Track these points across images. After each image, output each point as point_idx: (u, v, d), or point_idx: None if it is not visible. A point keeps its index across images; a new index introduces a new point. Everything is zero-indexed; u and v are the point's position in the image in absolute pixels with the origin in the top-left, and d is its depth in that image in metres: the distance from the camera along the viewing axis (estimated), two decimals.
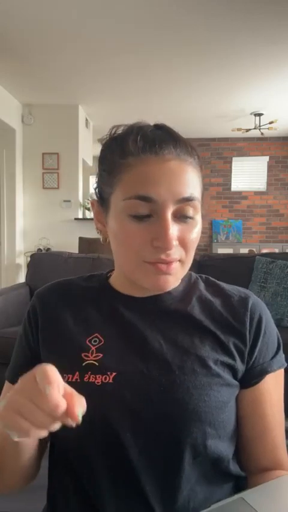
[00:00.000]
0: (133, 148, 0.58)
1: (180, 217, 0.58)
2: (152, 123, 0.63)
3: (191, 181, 0.58)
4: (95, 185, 0.66)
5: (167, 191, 0.56)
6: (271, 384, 0.65)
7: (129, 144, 0.58)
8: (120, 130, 0.64)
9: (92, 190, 4.34)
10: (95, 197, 0.68)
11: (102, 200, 0.64)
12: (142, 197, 0.56)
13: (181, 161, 0.58)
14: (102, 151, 0.65)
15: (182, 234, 0.58)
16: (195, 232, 0.60)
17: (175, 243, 0.57)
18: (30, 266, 3.03)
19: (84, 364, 0.62)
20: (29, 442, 0.58)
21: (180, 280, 0.67)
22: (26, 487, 0.67)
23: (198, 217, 0.60)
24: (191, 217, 0.59)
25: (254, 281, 2.69)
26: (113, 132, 0.64)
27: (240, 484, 0.65)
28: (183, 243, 0.59)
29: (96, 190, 0.66)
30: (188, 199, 0.57)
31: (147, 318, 0.65)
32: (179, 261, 0.60)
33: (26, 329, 0.71)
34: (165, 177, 0.56)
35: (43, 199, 5.24)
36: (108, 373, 0.61)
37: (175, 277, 0.61)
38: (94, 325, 0.66)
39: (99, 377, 0.60)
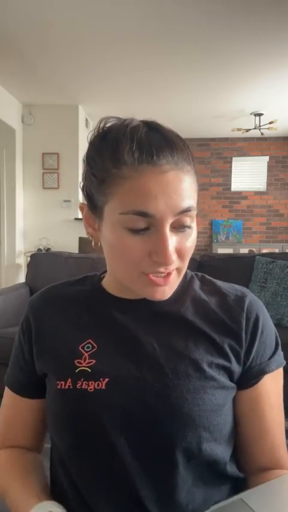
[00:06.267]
0: (128, 158, 0.54)
1: (178, 227, 0.57)
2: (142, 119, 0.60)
3: (188, 191, 0.56)
4: (82, 185, 0.62)
5: (165, 205, 0.53)
6: (270, 384, 0.64)
7: (124, 153, 0.54)
8: (109, 123, 0.60)
9: None
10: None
11: (93, 206, 0.60)
12: (140, 213, 0.53)
13: (178, 171, 0.55)
14: (90, 150, 0.60)
15: (179, 244, 0.57)
16: (191, 241, 0.59)
17: (174, 256, 0.56)
18: (30, 266, 3.02)
19: (77, 370, 0.61)
20: None
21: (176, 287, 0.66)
22: None
23: (194, 224, 0.59)
24: (188, 227, 0.58)
25: (254, 281, 2.69)
26: (101, 126, 0.60)
27: (238, 486, 0.65)
28: (180, 253, 0.58)
29: (85, 193, 0.62)
30: (186, 211, 0.56)
31: (141, 321, 0.64)
32: (176, 269, 0.59)
33: (20, 340, 0.71)
34: (163, 191, 0.53)
35: (43, 199, 5.23)
36: (101, 379, 0.60)
37: (172, 287, 0.60)
38: (87, 330, 0.65)
39: (91, 383, 0.60)
